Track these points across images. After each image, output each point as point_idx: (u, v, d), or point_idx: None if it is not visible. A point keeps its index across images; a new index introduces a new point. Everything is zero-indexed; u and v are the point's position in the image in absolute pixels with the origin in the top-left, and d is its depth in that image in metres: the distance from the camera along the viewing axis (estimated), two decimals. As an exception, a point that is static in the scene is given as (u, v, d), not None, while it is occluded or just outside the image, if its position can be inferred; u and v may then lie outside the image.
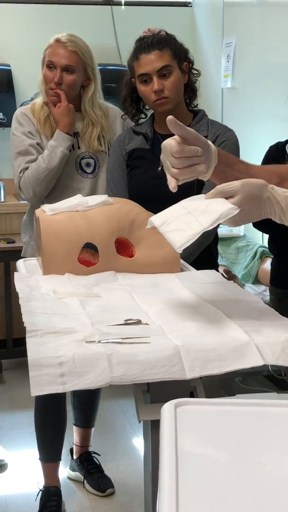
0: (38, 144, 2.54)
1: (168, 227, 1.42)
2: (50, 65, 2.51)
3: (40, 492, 2.69)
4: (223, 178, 1.54)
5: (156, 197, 2.20)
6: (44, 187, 2.50)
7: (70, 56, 2.49)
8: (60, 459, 2.72)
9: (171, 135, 2.28)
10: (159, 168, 2.28)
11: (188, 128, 1.46)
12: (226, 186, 1.40)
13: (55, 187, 2.55)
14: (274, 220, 1.44)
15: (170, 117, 1.44)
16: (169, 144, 1.46)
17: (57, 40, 2.51)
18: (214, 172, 1.54)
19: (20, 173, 2.52)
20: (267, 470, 0.86)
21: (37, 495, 2.69)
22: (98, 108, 2.57)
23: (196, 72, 2.34)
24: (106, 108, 2.62)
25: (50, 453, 2.70)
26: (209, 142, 1.51)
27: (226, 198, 1.39)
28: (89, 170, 2.59)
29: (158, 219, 1.47)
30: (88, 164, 2.59)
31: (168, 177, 1.47)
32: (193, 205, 1.44)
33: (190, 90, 2.34)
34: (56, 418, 2.67)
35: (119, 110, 2.58)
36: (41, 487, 2.70)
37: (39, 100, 2.59)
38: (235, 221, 1.41)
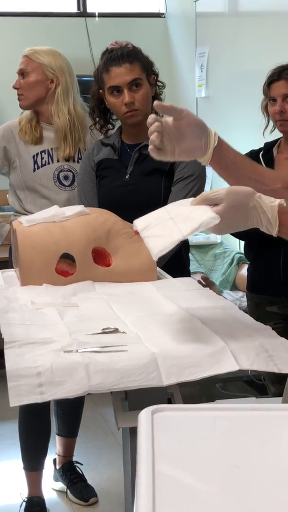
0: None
1: (149, 232, 1.42)
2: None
3: (23, 502, 2.69)
4: (229, 171, 1.56)
5: (125, 205, 2.23)
6: None
7: (24, 61, 2.62)
8: (43, 468, 2.72)
9: (138, 145, 2.32)
10: (126, 177, 2.31)
11: (177, 107, 1.50)
12: (211, 193, 1.37)
13: (34, 201, 2.61)
14: (262, 231, 1.38)
15: (156, 102, 1.51)
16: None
17: None
18: (222, 166, 1.55)
19: None
20: (242, 473, 0.88)
21: (20, 505, 2.69)
22: (65, 113, 2.59)
23: (161, 84, 2.39)
24: (83, 118, 2.64)
25: (33, 462, 2.70)
26: (206, 125, 1.53)
27: (211, 206, 1.36)
28: (66, 183, 2.63)
29: (141, 223, 1.46)
30: (66, 177, 2.63)
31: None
32: (177, 210, 1.42)
33: None
34: (40, 428, 2.68)
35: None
36: (24, 498, 2.70)
37: (27, 111, 2.68)
38: (220, 229, 1.38)
